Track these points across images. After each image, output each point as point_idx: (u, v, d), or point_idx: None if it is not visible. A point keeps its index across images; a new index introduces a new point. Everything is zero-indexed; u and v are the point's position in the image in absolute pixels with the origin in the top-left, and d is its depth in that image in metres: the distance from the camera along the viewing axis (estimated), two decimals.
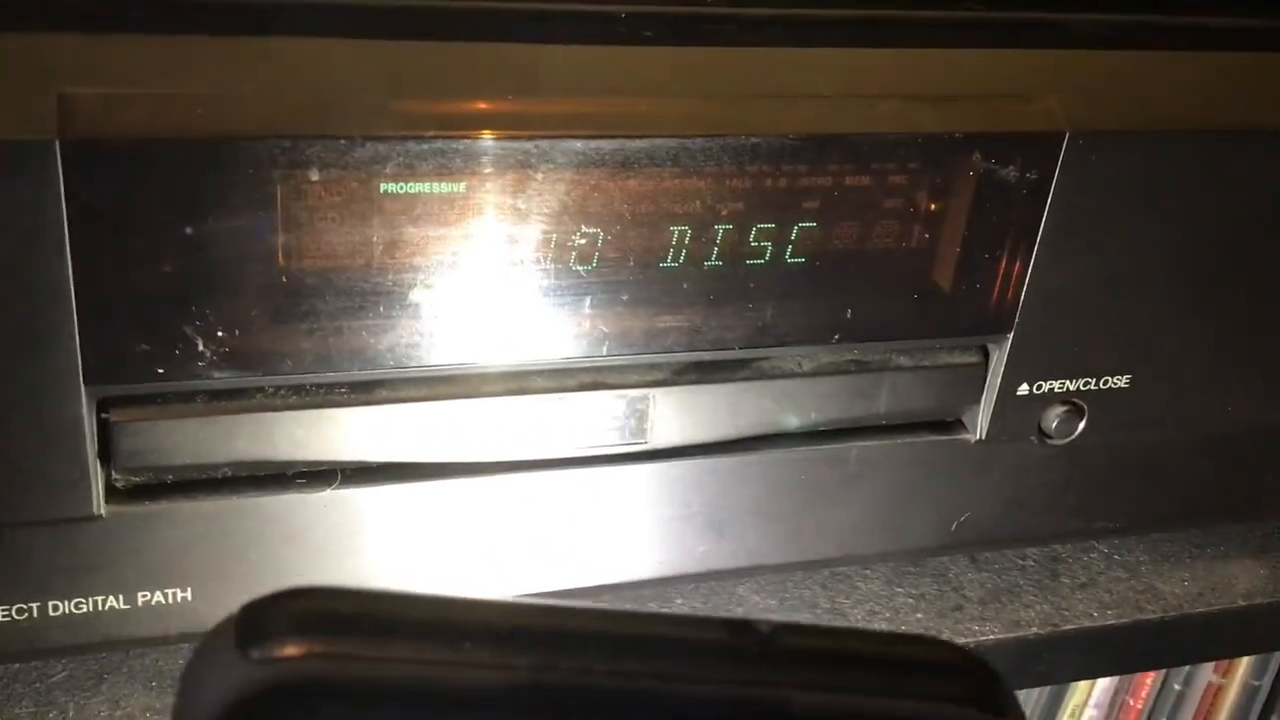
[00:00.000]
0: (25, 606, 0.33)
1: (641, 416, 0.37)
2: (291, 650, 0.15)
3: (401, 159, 0.31)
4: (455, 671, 0.15)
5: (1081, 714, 0.66)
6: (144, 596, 0.34)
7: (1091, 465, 0.42)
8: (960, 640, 0.43)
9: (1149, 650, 0.46)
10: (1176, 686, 0.66)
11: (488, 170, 0.32)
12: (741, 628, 0.16)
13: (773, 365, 0.38)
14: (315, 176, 0.31)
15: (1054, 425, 0.41)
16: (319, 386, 0.34)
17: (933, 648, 0.17)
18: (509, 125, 0.32)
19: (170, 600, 0.34)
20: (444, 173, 0.32)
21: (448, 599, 0.16)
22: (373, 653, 0.15)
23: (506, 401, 0.35)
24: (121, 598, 0.34)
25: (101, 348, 0.31)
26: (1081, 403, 0.41)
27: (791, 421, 0.39)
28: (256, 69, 0.31)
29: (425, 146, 0.31)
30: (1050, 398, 0.40)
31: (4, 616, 0.33)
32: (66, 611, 0.34)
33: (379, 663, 0.15)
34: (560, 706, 0.15)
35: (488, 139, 0.31)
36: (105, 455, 0.32)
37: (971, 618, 0.44)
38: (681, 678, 0.15)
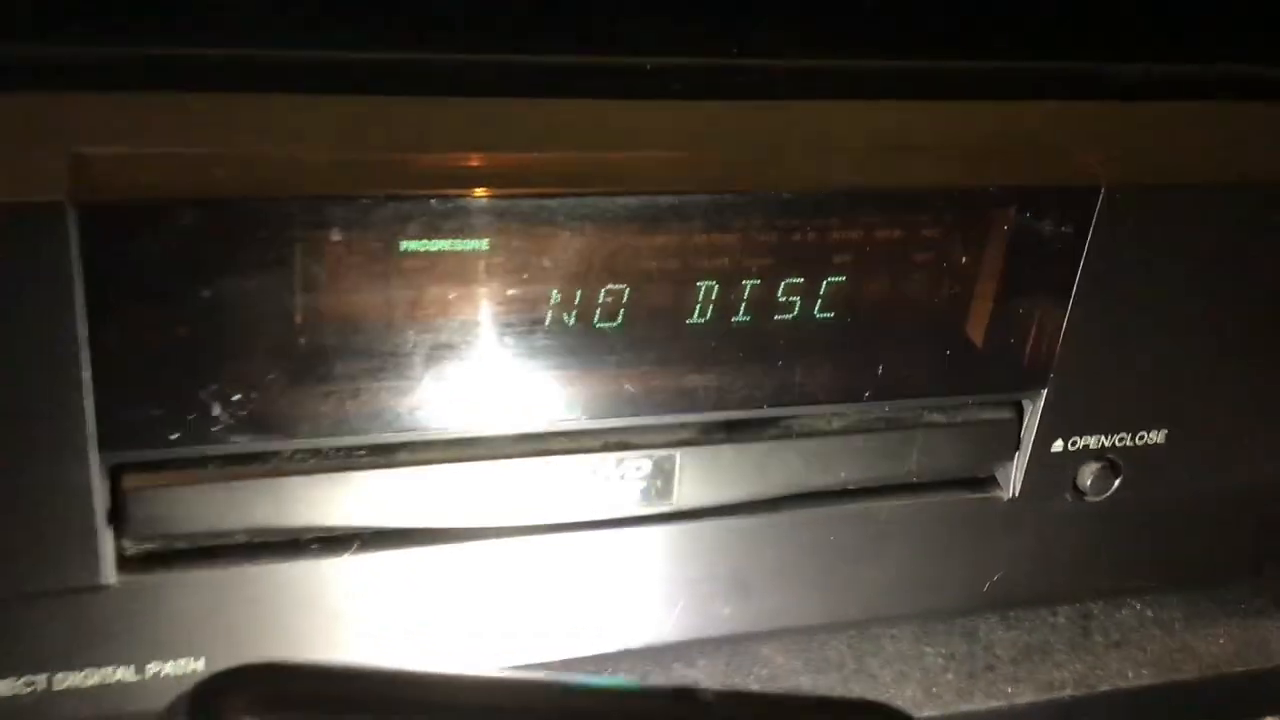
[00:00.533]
0: (33, 679, 0.32)
1: (667, 477, 0.36)
2: None
3: (423, 217, 0.30)
4: None
5: None
6: (155, 667, 0.33)
7: (1127, 522, 0.41)
8: (992, 703, 0.42)
9: (1186, 712, 0.45)
10: None
11: (512, 227, 0.31)
12: (684, 696, 0.17)
13: (801, 424, 0.37)
14: (335, 237, 0.30)
15: (1089, 482, 0.40)
16: (337, 450, 0.33)
17: (875, 713, 0.17)
18: (533, 181, 0.31)
19: (183, 671, 0.33)
20: (466, 231, 0.31)
21: (400, 674, 0.16)
22: None
23: (529, 464, 0.35)
24: (132, 668, 0.33)
25: (114, 413, 0.30)
26: (1117, 459, 0.40)
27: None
28: (271, 127, 0.31)
29: (448, 205, 0.30)
30: (1085, 454, 0.39)
31: (10, 690, 0.32)
32: (75, 684, 0.33)
33: None
34: None
35: (512, 196, 0.31)
36: (117, 522, 0.31)
37: (1003, 678, 0.43)
38: None
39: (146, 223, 0.28)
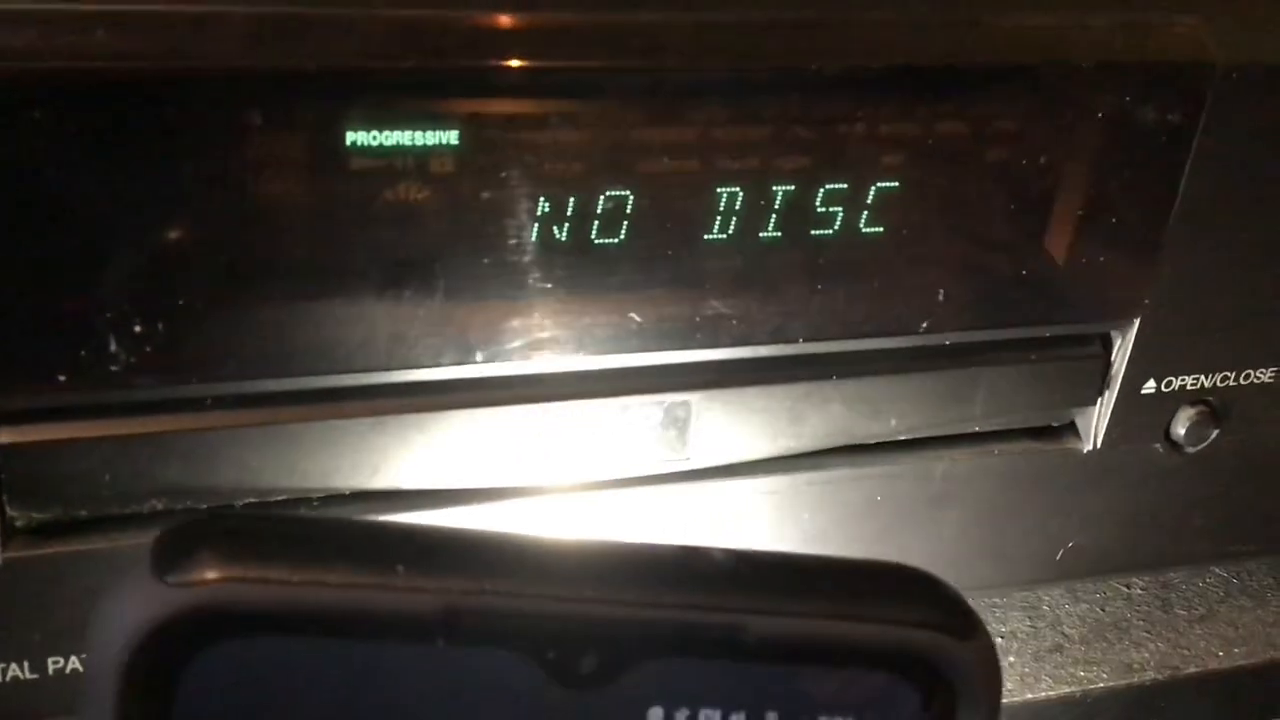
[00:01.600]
0: None
1: (682, 426, 0.32)
2: (210, 574, 0.15)
3: (373, 97, 0.25)
4: (386, 596, 0.15)
5: None
6: (56, 663, 0.28)
7: (1226, 477, 0.38)
8: (1063, 689, 0.37)
9: None
10: None
11: (487, 115, 0.26)
12: (697, 554, 0.16)
13: (844, 362, 0.33)
14: (258, 120, 0.25)
15: (1184, 430, 0.36)
16: (271, 395, 0.28)
17: (897, 571, 0.17)
18: (510, 50, 0.26)
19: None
20: (428, 119, 0.26)
21: (381, 523, 0.17)
22: (297, 577, 0.15)
23: (511, 412, 0.30)
24: (27, 665, 0.28)
25: None
26: (1217, 403, 0.36)
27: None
28: None
29: (404, 82, 0.25)
30: (1181, 396, 0.36)
31: None
32: None
33: (303, 587, 0.15)
34: (500, 632, 0.15)
35: (486, 69, 0.26)
36: None
37: (1075, 660, 0.39)
38: (631, 603, 0.16)
39: (14, 96, 0.23)
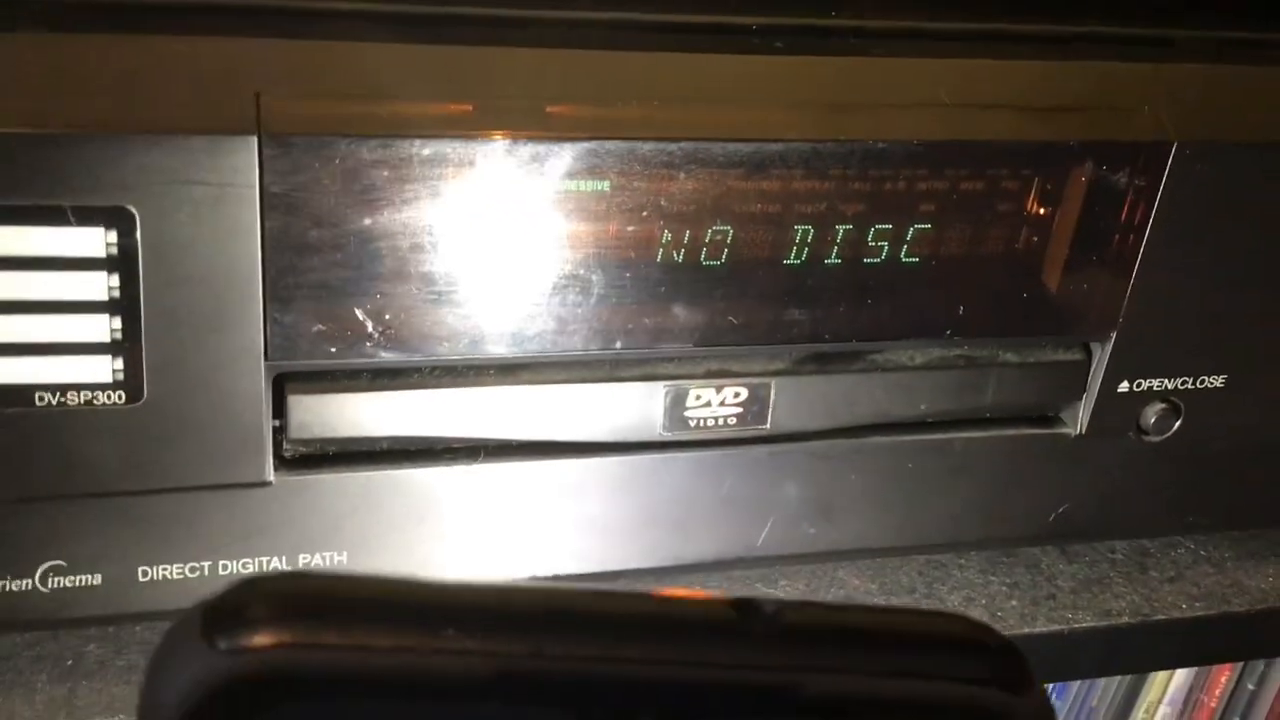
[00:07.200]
0: (198, 565, 0.36)
1: (763, 403, 0.39)
2: (260, 640, 0.14)
3: (557, 159, 0.34)
4: (437, 659, 0.14)
5: (1156, 711, 0.67)
6: (305, 558, 0.37)
7: (1185, 462, 0.44)
8: (1054, 626, 0.45)
9: (1235, 642, 0.48)
10: (1250, 686, 0.68)
11: (635, 170, 0.34)
12: (746, 608, 0.15)
13: (886, 358, 0.40)
14: (478, 175, 0.33)
15: (1152, 422, 0.42)
16: (469, 368, 0.36)
17: (949, 623, 0.16)
18: (656, 130, 0.34)
19: (329, 562, 0.37)
20: (594, 172, 0.34)
21: (428, 582, 0.15)
22: (347, 641, 0.14)
23: (639, 387, 0.38)
24: (284, 559, 0.37)
25: (282, 328, 0.33)
26: (1179, 401, 0.42)
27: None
28: (422, 75, 0.34)
29: (581, 147, 0.33)
30: (1149, 395, 0.42)
31: (178, 573, 0.36)
32: (235, 571, 0.37)
33: (354, 651, 0.14)
34: (552, 694, 0.14)
35: (636, 141, 0.34)
36: (278, 426, 0.35)
37: (1064, 605, 0.46)
38: (683, 662, 0.15)
39: (320, 157, 0.32)
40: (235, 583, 0.15)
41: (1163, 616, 0.46)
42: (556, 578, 0.40)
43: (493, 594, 0.15)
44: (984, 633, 0.16)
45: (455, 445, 0.37)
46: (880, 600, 0.45)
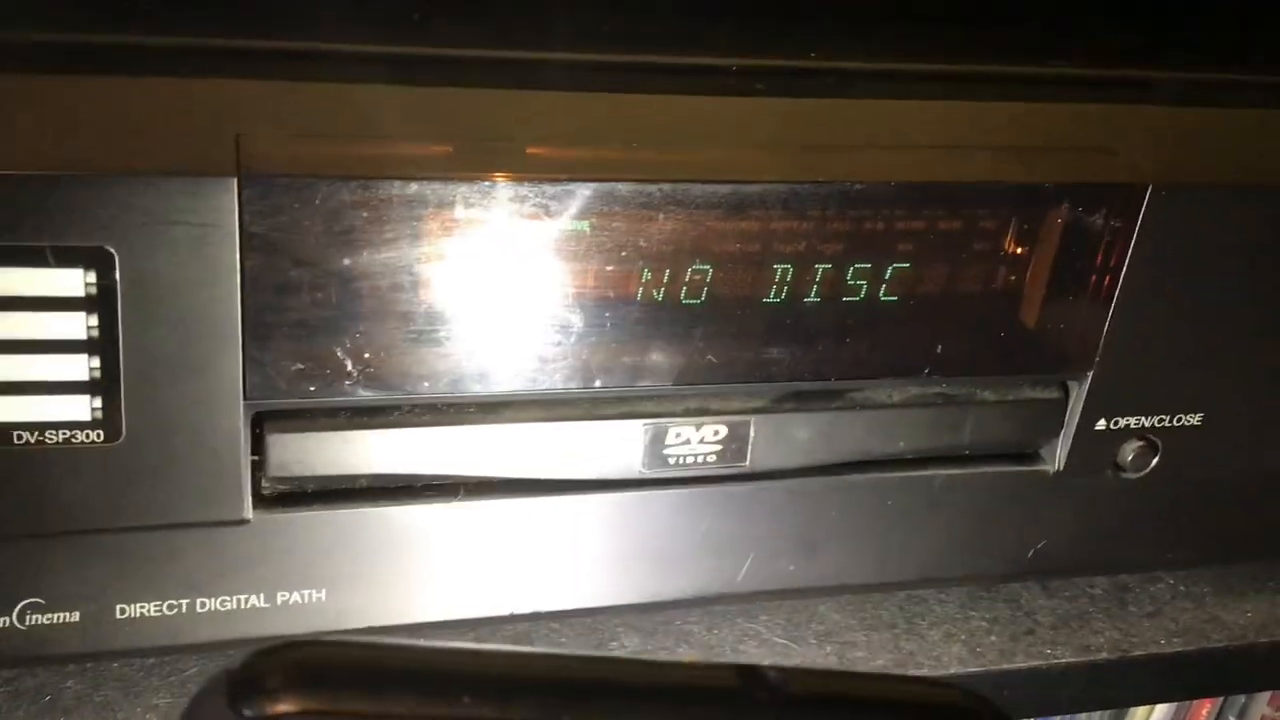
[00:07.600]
0: (176, 603, 0.36)
1: (742, 441, 0.39)
2: (284, 707, 0.14)
3: (537, 200, 0.34)
4: None
5: None
6: (284, 596, 0.37)
7: (1163, 499, 0.44)
8: (1034, 662, 0.45)
9: (1215, 677, 0.48)
10: (1231, 718, 0.68)
11: (615, 210, 0.34)
12: (751, 676, 0.15)
13: (865, 396, 0.40)
14: (457, 216, 0.33)
15: (1129, 460, 0.43)
16: (449, 406, 0.37)
17: (942, 691, 0.17)
18: (636, 171, 0.34)
19: (307, 600, 0.37)
20: (574, 213, 0.34)
21: (444, 648, 0.16)
22: (366, 708, 0.15)
23: (618, 425, 0.38)
24: (263, 597, 0.37)
25: (261, 367, 0.33)
26: (1156, 439, 0.43)
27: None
28: (402, 116, 0.34)
29: (561, 188, 0.34)
30: (1126, 433, 0.42)
31: (156, 611, 0.36)
32: (212, 608, 0.37)
33: (373, 719, 0.15)
34: None
35: (616, 182, 0.34)
36: (257, 464, 0.35)
37: (1044, 641, 0.46)
38: None
39: (300, 197, 0.32)
40: (258, 650, 0.15)
41: (1142, 652, 0.46)
42: (536, 615, 0.40)
43: (506, 661, 0.16)
44: (981, 704, 0.16)
45: (435, 483, 0.38)
46: (860, 634, 0.45)
